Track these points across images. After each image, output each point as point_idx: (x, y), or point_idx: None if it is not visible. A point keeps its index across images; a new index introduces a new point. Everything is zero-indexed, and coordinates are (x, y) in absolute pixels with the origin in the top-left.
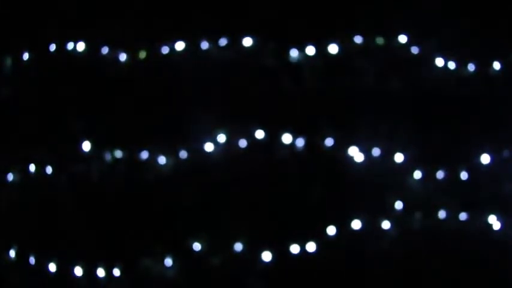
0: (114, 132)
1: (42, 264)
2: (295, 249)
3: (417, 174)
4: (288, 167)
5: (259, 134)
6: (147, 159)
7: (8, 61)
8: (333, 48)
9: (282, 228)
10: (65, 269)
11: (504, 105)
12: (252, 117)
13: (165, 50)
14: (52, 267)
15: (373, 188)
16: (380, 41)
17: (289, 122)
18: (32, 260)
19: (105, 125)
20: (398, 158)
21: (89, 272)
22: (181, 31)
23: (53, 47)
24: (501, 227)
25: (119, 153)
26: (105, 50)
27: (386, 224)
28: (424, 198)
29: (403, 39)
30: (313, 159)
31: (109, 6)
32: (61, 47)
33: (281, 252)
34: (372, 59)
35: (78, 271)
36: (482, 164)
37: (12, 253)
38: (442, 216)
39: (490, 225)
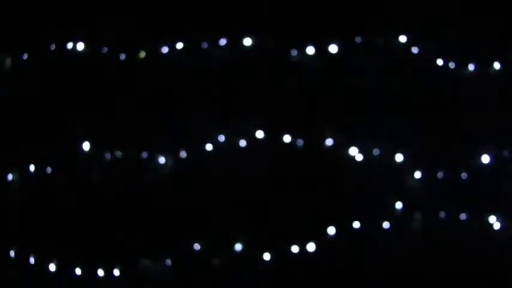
0: (114, 132)
1: (42, 264)
2: (295, 249)
3: (417, 174)
4: (288, 167)
5: (259, 134)
6: (147, 159)
7: (8, 61)
8: (333, 48)
9: (282, 228)
10: (65, 269)
11: (504, 105)
12: (252, 117)
13: (165, 50)
14: (52, 267)
15: (373, 188)
16: (380, 41)
17: (289, 122)
18: (32, 260)
19: (105, 125)
20: (398, 158)
21: (89, 272)
22: (181, 31)
23: (53, 47)
24: (501, 227)
25: (118, 153)
26: (105, 50)
27: (386, 224)
28: (424, 198)
29: (403, 39)
30: (313, 159)
31: (109, 6)
32: (61, 47)
33: (281, 252)
34: (372, 59)
35: (78, 271)
36: (482, 164)
37: (12, 253)
38: (442, 216)
39: (490, 225)
